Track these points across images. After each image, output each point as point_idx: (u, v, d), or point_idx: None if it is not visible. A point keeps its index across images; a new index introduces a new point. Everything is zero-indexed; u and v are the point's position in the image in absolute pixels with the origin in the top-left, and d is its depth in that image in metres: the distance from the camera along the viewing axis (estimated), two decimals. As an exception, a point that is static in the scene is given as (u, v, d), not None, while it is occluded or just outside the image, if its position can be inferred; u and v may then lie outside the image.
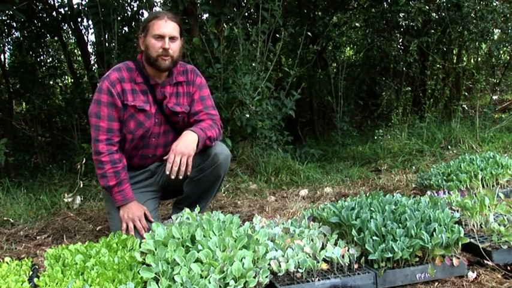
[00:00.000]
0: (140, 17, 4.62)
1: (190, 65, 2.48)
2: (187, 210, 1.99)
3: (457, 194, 2.23)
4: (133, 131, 2.27)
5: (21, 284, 1.58)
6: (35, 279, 1.61)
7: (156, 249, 1.62)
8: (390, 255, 1.65)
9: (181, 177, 2.13)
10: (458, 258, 1.71)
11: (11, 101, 5.45)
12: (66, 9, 5.01)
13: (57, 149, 5.56)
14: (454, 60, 6.91)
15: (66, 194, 3.29)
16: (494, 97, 8.08)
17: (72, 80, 6.13)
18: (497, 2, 6.08)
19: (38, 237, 2.62)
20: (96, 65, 5.32)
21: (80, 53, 6.00)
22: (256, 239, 1.70)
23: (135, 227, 2.20)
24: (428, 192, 2.51)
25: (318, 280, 1.60)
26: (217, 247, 1.61)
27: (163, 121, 2.35)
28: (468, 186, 2.68)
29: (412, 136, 5.13)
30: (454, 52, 6.98)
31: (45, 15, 5.25)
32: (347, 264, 1.67)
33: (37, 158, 5.39)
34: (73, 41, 6.59)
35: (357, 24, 7.39)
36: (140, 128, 2.28)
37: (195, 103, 2.38)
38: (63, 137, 5.35)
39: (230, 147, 3.63)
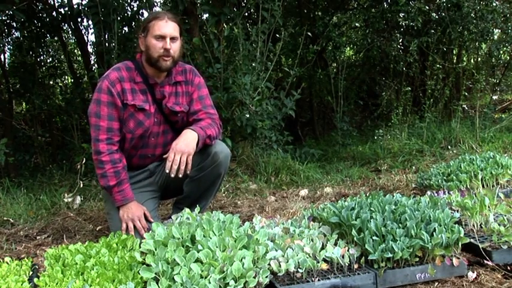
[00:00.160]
0: (140, 17, 4.62)
1: (189, 65, 2.48)
2: (187, 210, 1.99)
3: (457, 194, 2.23)
4: (133, 130, 2.27)
5: (21, 284, 1.58)
6: (35, 279, 1.61)
7: (156, 249, 1.62)
8: (390, 255, 1.65)
9: (181, 175, 2.13)
10: (458, 258, 1.71)
11: (11, 101, 5.45)
12: (66, 9, 5.01)
13: (57, 149, 5.56)
14: (454, 60, 6.91)
15: (66, 194, 3.29)
16: (494, 97, 8.08)
17: (72, 80, 6.13)
18: (497, 2, 6.08)
19: (38, 237, 2.62)
20: (96, 65, 5.32)
21: (80, 53, 6.00)
22: (256, 239, 1.70)
23: (134, 227, 2.20)
24: (428, 192, 2.51)
25: (318, 280, 1.60)
26: (217, 247, 1.61)
27: (163, 121, 2.35)
28: (468, 186, 2.68)
29: (412, 136, 5.13)
30: (454, 52, 6.98)
31: (45, 15, 5.25)
32: (347, 264, 1.67)
33: (37, 158, 5.39)
34: (73, 41, 6.59)
35: (357, 24, 7.39)
36: (140, 128, 2.28)
37: (194, 102, 2.39)
38: (63, 137, 5.35)
39: (230, 147, 3.64)
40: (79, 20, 5.14)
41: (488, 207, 1.98)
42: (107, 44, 4.29)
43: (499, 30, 6.74)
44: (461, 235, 1.72)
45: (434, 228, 1.72)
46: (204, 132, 2.23)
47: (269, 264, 1.59)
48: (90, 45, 5.53)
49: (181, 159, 2.11)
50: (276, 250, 1.67)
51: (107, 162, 2.20)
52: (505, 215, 1.94)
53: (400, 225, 1.77)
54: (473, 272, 1.71)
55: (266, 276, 1.52)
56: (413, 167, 4.10)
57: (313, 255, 1.66)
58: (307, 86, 7.20)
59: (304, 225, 2.00)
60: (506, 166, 2.81)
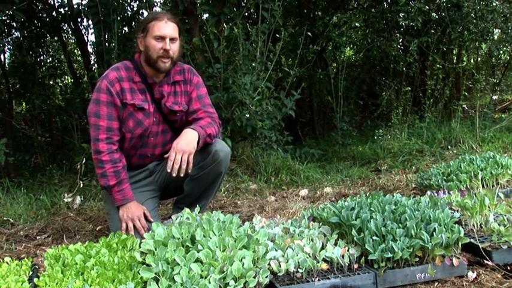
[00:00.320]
0: (140, 17, 4.62)
1: (187, 65, 2.49)
2: (187, 210, 1.99)
3: (457, 194, 2.23)
4: (133, 129, 2.27)
5: (21, 284, 1.58)
6: (35, 279, 1.61)
7: (156, 249, 1.62)
8: (390, 255, 1.65)
9: (182, 174, 2.14)
10: (458, 258, 1.71)
11: (11, 101, 5.45)
12: (66, 9, 5.02)
13: (57, 149, 5.56)
14: (454, 60, 6.91)
15: (66, 194, 3.29)
16: (494, 97, 8.08)
17: (72, 80, 6.13)
18: (497, 2, 6.08)
19: (38, 237, 2.62)
20: (96, 65, 5.33)
21: (80, 53, 6.00)
22: (256, 239, 1.70)
23: (134, 226, 2.20)
24: (428, 192, 2.51)
25: (318, 280, 1.60)
26: (217, 247, 1.61)
27: (162, 120, 2.35)
28: (468, 186, 2.68)
29: (412, 136, 5.13)
30: (454, 52, 6.98)
31: (45, 15, 5.25)
32: (347, 264, 1.67)
33: (37, 158, 5.39)
34: (73, 41, 6.59)
35: (357, 24, 7.39)
36: (139, 127, 2.28)
37: (193, 102, 2.39)
38: (63, 137, 5.35)
39: (230, 147, 3.64)
40: (79, 20, 5.14)
41: (488, 207, 1.98)
42: (107, 44, 4.29)
43: (499, 30, 6.74)
44: (461, 235, 1.73)
45: (434, 228, 1.72)
46: (204, 131, 2.23)
47: (269, 264, 1.59)
48: (90, 45, 5.54)
49: (182, 158, 2.12)
50: (276, 250, 1.67)
51: (107, 162, 2.20)
52: (505, 215, 1.94)
53: (400, 225, 1.77)
54: (473, 272, 1.71)
55: (266, 276, 1.52)
56: (413, 167, 4.10)
57: (313, 255, 1.66)
58: (307, 86, 7.20)
59: (304, 225, 2.00)
60: (506, 166, 2.81)
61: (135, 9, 4.76)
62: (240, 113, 4.07)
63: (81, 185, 3.34)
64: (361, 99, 7.17)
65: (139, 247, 1.77)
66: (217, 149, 2.30)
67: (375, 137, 5.48)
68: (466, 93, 6.33)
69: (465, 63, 7.24)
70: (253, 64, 4.19)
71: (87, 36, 5.52)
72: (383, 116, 6.65)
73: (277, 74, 6.65)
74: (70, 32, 6.28)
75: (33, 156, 5.35)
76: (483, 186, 2.68)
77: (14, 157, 4.67)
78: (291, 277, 1.63)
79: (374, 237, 1.71)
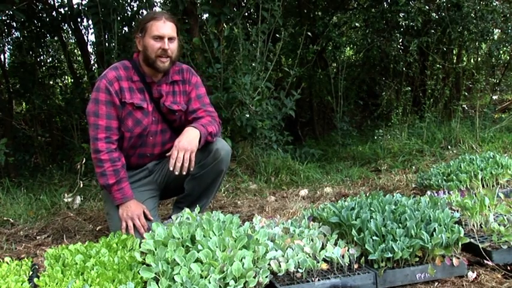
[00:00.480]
0: (140, 17, 4.62)
1: (185, 65, 2.49)
2: (187, 210, 1.99)
3: (457, 194, 2.23)
4: (132, 129, 2.28)
5: (21, 284, 1.58)
6: (35, 279, 1.61)
7: (156, 249, 1.62)
8: (390, 255, 1.65)
9: (184, 173, 2.14)
10: (458, 258, 1.71)
11: (11, 101, 5.45)
12: (66, 9, 5.02)
13: (57, 149, 5.56)
14: (454, 60, 6.91)
15: (66, 194, 3.29)
16: (494, 97, 8.08)
17: (72, 80, 6.13)
18: (497, 2, 6.08)
19: (38, 237, 2.62)
20: (96, 65, 5.32)
21: (80, 53, 6.00)
22: (256, 239, 1.70)
23: (134, 225, 2.20)
24: (428, 192, 2.51)
25: (318, 280, 1.60)
26: (217, 247, 1.61)
27: (160, 120, 2.35)
28: (468, 186, 2.68)
29: (412, 136, 5.13)
30: (454, 52, 6.98)
31: (45, 15, 5.25)
32: (347, 264, 1.67)
33: (37, 158, 5.39)
34: (73, 41, 6.59)
35: (356, 24, 7.39)
36: (138, 126, 2.28)
37: (192, 101, 2.40)
38: (63, 137, 5.35)
39: (230, 147, 3.64)
40: (79, 20, 5.14)
41: (488, 207, 1.98)
42: (107, 44, 4.29)
43: (499, 30, 6.74)
44: (461, 235, 1.72)
45: (434, 228, 1.72)
46: (206, 129, 2.24)
47: (269, 264, 1.59)
48: (90, 45, 5.54)
49: (184, 156, 2.12)
50: (276, 250, 1.67)
51: (106, 161, 2.20)
52: (505, 215, 1.94)
53: (400, 225, 1.77)
54: (473, 272, 1.71)
55: (266, 276, 1.52)
56: (413, 167, 4.10)
57: (313, 255, 1.66)
58: (307, 86, 7.20)
59: (304, 225, 2.00)
60: (506, 166, 2.81)
61: (135, 9, 4.76)
62: (240, 113, 4.07)
63: (81, 185, 3.34)
64: (361, 99, 7.17)
65: (139, 247, 1.77)
66: (218, 147, 2.31)
67: (375, 137, 5.48)
68: (466, 93, 6.33)
69: (465, 63, 7.24)
70: (253, 64, 4.19)
71: (87, 36, 5.53)
72: (383, 116, 6.65)
73: (277, 74, 6.65)
74: (70, 32, 6.28)
75: (33, 156, 5.35)
76: (483, 186, 2.68)
77: (14, 157, 4.67)
78: (291, 277, 1.63)
79: (374, 237, 1.71)
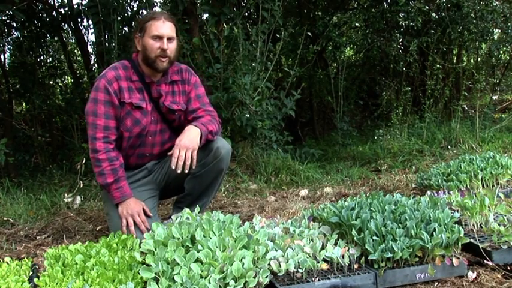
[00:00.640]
0: (140, 17, 4.62)
1: (184, 65, 2.50)
2: (187, 210, 1.99)
3: (457, 194, 2.23)
4: (131, 128, 2.28)
5: (21, 284, 1.58)
6: (35, 279, 1.61)
7: (156, 249, 1.62)
8: (390, 255, 1.65)
9: (186, 171, 2.15)
10: (458, 258, 1.71)
11: (11, 101, 5.45)
12: (66, 9, 5.01)
13: (57, 149, 5.56)
14: (454, 60, 6.91)
15: (66, 194, 3.29)
16: (494, 97, 8.08)
17: (72, 80, 6.13)
18: (497, 2, 6.08)
19: (38, 237, 2.62)
20: (96, 65, 5.32)
21: (80, 53, 6.00)
22: (256, 239, 1.70)
23: (134, 222, 2.20)
24: (428, 192, 2.51)
25: (318, 280, 1.60)
26: (217, 247, 1.61)
27: (160, 119, 2.36)
28: (468, 186, 2.68)
29: (412, 136, 5.13)
30: (454, 52, 6.98)
31: (45, 15, 5.25)
32: (347, 264, 1.67)
33: (37, 158, 5.39)
34: (73, 41, 6.59)
35: (357, 24, 7.39)
36: (137, 126, 2.28)
37: (192, 101, 2.40)
38: (63, 137, 5.35)
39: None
40: (79, 20, 5.14)
41: (488, 207, 1.98)
42: (107, 44, 4.29)
43: (499, 30, 6.73)
44: (461, 235, 1.72)
45: (434, 228, 1.72)
46: (206, 127, 2.25)
47: (269, 264, 1.59)
48: (90, 45, 5.53)
49: (186, 154, 2.13)
50: (276, 250, 1.67)
51: (104, 160, 2.21)
52: (505, 215, 1.93)
53: (400, 225, 1.77)
54: (473, 272, 1.71)
55: (266, 276, 1.52)
56: (413, 167, 4.10)
57: (313, 255, 1.66)
58: (307, 86, 7.20)
59: (304, 225, 2.00)
60: (506, 166, 2.81)
61: (135, 9, 4.76)
62: (240, 113, 4.07)
63: (81, 185, 3.34)
64: (361, 99, 7.17)
65: (140, 247, 1.77)
66: (219, 146, 2.31)
67: (375, 137, 5.48)
68: (466, 93, 6.33)
69: (465, 63, 7.24)
70: (253, 64, 4.19)
71: (87, 36, 5.53)
72: (383, 116, 6.65)
73: (277, 74, 6.65)
74: (70, 32, 6.28)
75: (33, 156, 5.35)
76: (483, 186, 2.68)
77: (14, 157, 4.67)
78: (291, 277, 1.63)
79: (374, 237, 1.71)
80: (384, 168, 4.23)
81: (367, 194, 2.20)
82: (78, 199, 3.24)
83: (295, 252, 1.66)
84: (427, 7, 5.80)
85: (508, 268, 1.74)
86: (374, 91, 7.63)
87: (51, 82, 6.08)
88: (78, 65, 6.67)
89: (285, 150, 4.51)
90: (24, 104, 6.26)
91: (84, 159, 3.52)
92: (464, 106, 6.55)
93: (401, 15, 5.97)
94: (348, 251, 1.69)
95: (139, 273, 1.53)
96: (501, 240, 1.79)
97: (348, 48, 7.98)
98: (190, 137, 2.17)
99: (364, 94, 7.27)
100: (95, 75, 4.46)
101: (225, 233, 1.69)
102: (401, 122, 5.52)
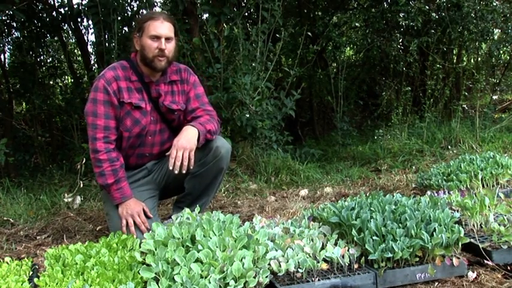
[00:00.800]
0: (140, 17, 4.62)
1: (183, 65, 2.50)
2: (187, 210, 1.99)
3: (457, 194, 2.23)
4: (130, 128, 2.28)
5: (21, 284, 1.58)
6: (35, 279, 1.61)
7: (156, 249, 1.62)
8: (390, 255, 1.65)
9: (184, 171, 2.15)
10: (458, 258, 1.71)
11: (11, 101, 5.45)
12: (66, 9, 5.01)
13: (57, 149, 5.56)
14: (454, 60, 6.91)
15: (66, 194, 3.29)
16: (494, 97, 8.08)
17: (72, 80, 6.13)
18: (497, 2, 6.08)
19: (38, 237, 2.62)
20: (96, 65, 5.32)
21: (80, 53, 6.00)
22: (256, 239, 1.70)
23: (134, 222, 2.20)
24: (428, 192, 2.51)
25: (318, 280, 1.60)
26: (217, 247, 1.61)
27: (159, 119, 2.36)
28: (468, 186, 2.68)
29: (412, 136, 5.13)
30: (454, 52, 6.98)
31: (45, 15, 5.25)
32: (347, 264, 1.67)
33: (37, 158, 5.39)
34: (73, 41, 6.59)
35: (357, 24, 7.39)
36: (136, 126, 2.28)
37: (191, 101, 2.41)
38: (63, 137, 5.35)
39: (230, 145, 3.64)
40: (79, 20, 5.14)
41: (488, 207, 1.98)
42: (107, 44, 4.29)
43: (499, 30, 6.73)
44: (461, 235, 1.72)
45: (434, 228, 1.72)
46: (204, 127, 2.25)
47: (269, 264, 1.59)
48: (90, 45, 5.53)
49: (183, 155, 2.13)
50: (276, 250, 1.67)
51: (105, 161, 2.21)
52: (505, 215, 1.94)
53: (400, 225, 1.77)
54: (473, 272, 1.71)
55: (266, 276, 1.52)
56: (413, 167, 4.10)
57: (313, 255, 1.66)
58: (307, 86, 7.20)
59: (304, 225, 2.00)
60: (506, 166, 2.81)
61: (135, 9, 4.76)
62: (240, 113, 4.07)
63: (81, 185, 3.34)
64: (361, 99, 7.16)
65: (140, 247, 1.77)
66: (218, 145, 2.31)
67: (375, 137, 5.48)
68: (466, 93, 6.32)
69: (465, 63, 7.24)
70: (253, 64, 4.19)
71: (87, 36, 5.53)
72: (383, 116, 6.65)
73: (277, 74, 6.65)
74: (70, 32, 6.28)
75: (33, 156, 5.35)
76: (483, 186, 2.68)
77: (14, 157, 4.67)
78: (291, 277, 1.63)
79: (374, 237, 1.71)
80: (384, 168, 4.23)
81: (367, 194, 2.20)
82: (78, 199, 3.24)
83: (295, 252, 1.66)
84: (427, 7, 5.80)
85: (508, 268, 1.75)
86: (374, 91, 7.63)
87: (51, 82, 6.08)
88: (78, 65, 6.67)
89: (285, 150, 4.52)
90: (24, 104, 6.26)
91: (84, 159, 3.52)
92: (464, 106, 6.55)
93: (401, 15, 5.97)
94: (348, 251, 1.69)
95: (139, 273, 1.53)
96: (501, 240, 1.79)
97: (348, 48, 7.98)
98: (188, 137, 2.17)
99: (364, 94, 7.27)
100: (95, 75, 4.46)
101: (225, 233, 1.69)
102: (401, 122, 5.52)
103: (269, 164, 4.05)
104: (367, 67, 7.41)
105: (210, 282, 1.44)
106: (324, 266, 1.67)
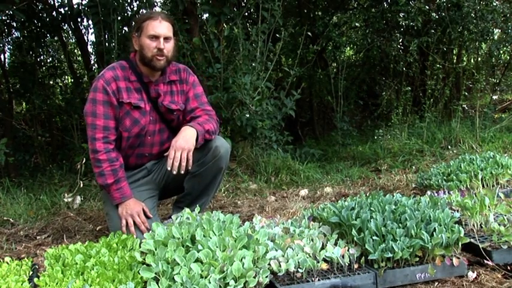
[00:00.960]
0: (138, 16, 4.62)
1: (182, 65, 2.50)
2: (187, 210, 1.99)
3: (457, 194, 2.23)
4: (129, 128, 2.28)
5: (21, 284, 1.58)
6: (35, 279, 1.61)
7: (156, 249, 1.62)
8: (390, 255, 1.65)
9: (182, 172, 2.15)
10: (458, 258, 1.71)
11: (11, 101, 5.44)
12: (66, 9, 5.01)
13: (57, 149, 5.56)
14: (454, 60, 6.91)
15: (66, 194, 3.29)
16: (494, 97, 8.08)
17: (72, 80, 6.13)
18: (497, 2, 6.08)
19: (38, 237, 2.62)
20: (96, 65, 5.32)
21: (80, 53, 6.00)
22: (256, 239, 1.70)
23: (134, 222, 2.20)
24: (428, 192, 2.51)
25: (318, 280, 1.60)
26: (217, 247, 1.61)
27: (158, 119, 2.36)
28: (468, 186, 2.68)
29: (412, 136, 5.13)
30: (454, 52, 6.98)
31: (45, 15, 5.24)
32: (347, 264, 1.67)
33: (37, 158, 5.39)
34: (73, 41, 6.59)
35: (357, 24, 7.39)
36: (136, 126, 2.29)
37: (190, 101, 2.41)
38: (63, 137, 5.35)
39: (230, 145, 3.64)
40: (79, 20, 5.13)
41: (488, 207, 1.98)
42: (107, 44, 4.29)
43: (499, 30, 6.73)
44: (461, 235, 1.73)
45: (434, 228, 1.72)
46: (203, 127, 2.25)
47: (269, 264, 1.59)
48: (90, 45, 5.53)
49: (181, 155, 2.13)
50: (276, 250, 1.67)
51: (104, 161, 2.21)
52: (505, 215, 1.94)
53: (400, 225, 1.77)
54: (473, 272, 1.71)
55: (266, 276, 1.52)
56: (413, 167, 4.10)
57: (313, 255, 1.66)
58: (307, 86, 7.20)
59: (304, 225, 2.00)
60: (506, 166, 2.80)
61: (135, 9, 4.75)
62: (240, 113, 4.07)
63: (81, 185, 3.34)
64: (361, 99, 7.16)
65: (140, 247, 1.77)
66: (217, 144, 2.31)
67: (375, 137, 5.48)
68: (466, 93, 6.32)
69: (465, 63, 7.24)
70: (253, 64, 4.19)
71: (87, 36, 5.52)
72: (383, 116, 6.65)
73: (277, 74, 6.65)
74: (70, 32, 6.28)
75: (33, 156, 5.34)
76: (483, 186, 2.68)
77: (14, 157, 4.67)
78: (291, 277, 1.63)
79: (374, 237, 1.71)
80: (384, 168, 4.23)
81: (367, 194, 2.20)
82: (78, 199, 3.24)
83: (295, 252, 1.66)
84: (427, 7, 5.80)
85: (508, 268, 1.75)
86: (374, 91, 7.63)
87: (51, 82, 6.08)
88: (78, 65, 6.67)
89: (285, 150, 4.51)
90: (24, 104, 6.25)
91: (84, 159, 3.52)
92: (464, 106, 6.55)
93: (401, 15, 5.97)
94: (348, 251, 1.69)
95: (139, 273, 1.53)
96: (501, 240, 1.79)
97: (348, 48, 7.98)
98: (186, 138, 2.17)
99: (364, 94, 7.27)
100: (95, 75, 4.45)
101: (225, 233, 1.69)
102: (401, 122, 5.51)
103: (269, 164, 4.05)
104: (367, 67, 7.41)
105: (210, 282, 1.44)
106: (324, 266, 1.67)
